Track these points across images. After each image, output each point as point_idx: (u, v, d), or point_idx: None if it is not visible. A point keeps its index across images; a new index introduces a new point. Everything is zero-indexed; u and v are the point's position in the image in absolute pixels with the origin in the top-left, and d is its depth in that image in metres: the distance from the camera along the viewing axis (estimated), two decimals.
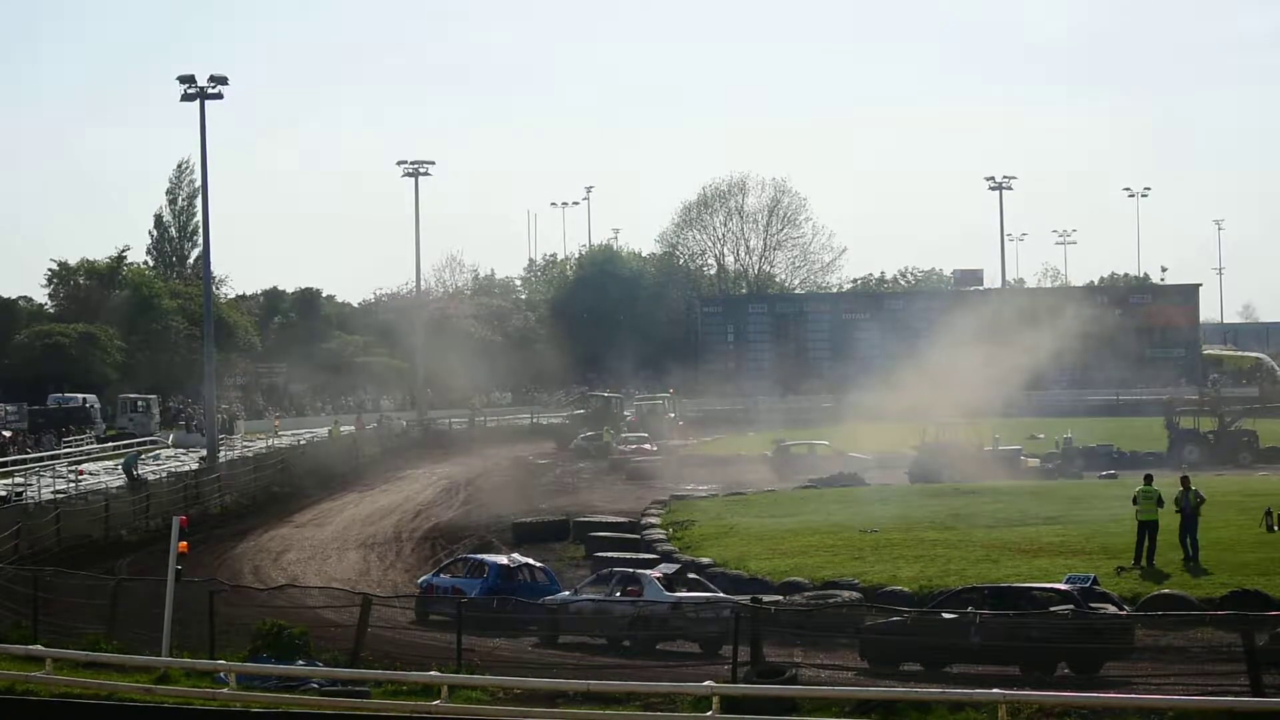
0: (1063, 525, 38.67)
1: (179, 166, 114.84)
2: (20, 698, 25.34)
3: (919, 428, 57.93)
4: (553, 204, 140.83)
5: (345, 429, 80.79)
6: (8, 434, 69.55)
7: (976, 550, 35.21)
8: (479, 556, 36.12)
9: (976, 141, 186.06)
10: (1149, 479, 34.31)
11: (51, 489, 51.55)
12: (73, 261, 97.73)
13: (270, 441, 75.26)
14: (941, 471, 53.58)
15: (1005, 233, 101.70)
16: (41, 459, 64.06)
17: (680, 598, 29.85)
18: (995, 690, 22.38)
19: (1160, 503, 33.33)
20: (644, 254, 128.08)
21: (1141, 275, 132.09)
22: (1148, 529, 32.99)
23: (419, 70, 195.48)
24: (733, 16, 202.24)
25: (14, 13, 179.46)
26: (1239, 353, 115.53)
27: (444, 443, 77.95)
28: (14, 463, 61.87)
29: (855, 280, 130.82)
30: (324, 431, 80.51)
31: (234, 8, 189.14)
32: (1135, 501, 33.72)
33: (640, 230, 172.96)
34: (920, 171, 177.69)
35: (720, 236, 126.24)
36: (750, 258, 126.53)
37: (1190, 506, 33.30)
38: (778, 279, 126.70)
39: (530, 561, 34.80)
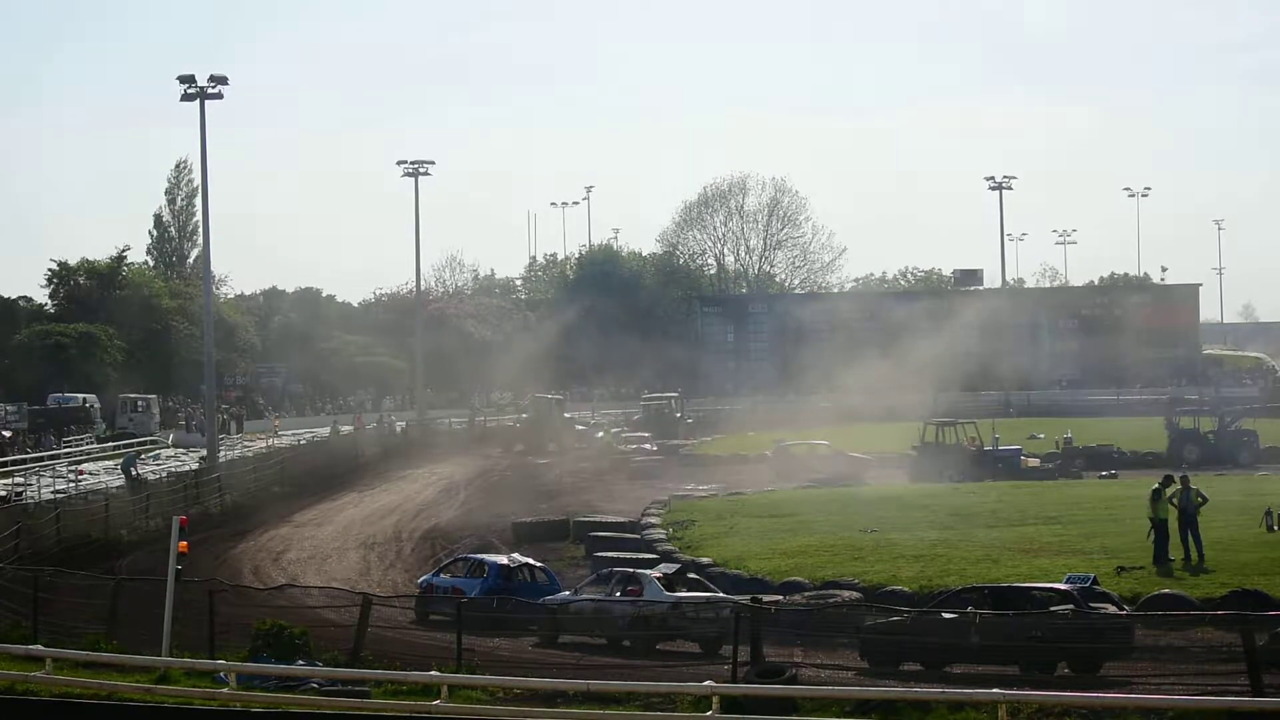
0: (1063, 525, 38.65)
1: (178, 166, 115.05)
2: (20, 698, 25.32)
3: (918, 427, 57.90)
4: (553, 204, 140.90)
5: (345, 429, 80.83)
6: (8, 434, 69.56)
7: (976, 550, 35.19)
8: (479, 556, 36.09)
9: (976, 141, 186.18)
10: (1168, 479, 34.34)
11: (51, 489, 51.60)
12: (73, 261, 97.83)
13: (270, 441, 75.26)
14: (941, 471, 53.59)
15: (1005, 233, 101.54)
16: (41, 459, 64.10)
17: (680, 598, 29.84)
18: (995, 690, 22.37)
19: (1157, 497, 33.50)
20: (644, 254, 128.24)
21: (1141, 275, 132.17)
22: (1160, 528, 33.13)
23: (419, 70, 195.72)
24: (734, 17, 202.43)
25: (13, 14, 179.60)
26: (1239, 353, 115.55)
27: (444, 443, 77.85)
28: (14, 463, 61.88)
29: (855, 280, 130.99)
30: (324, 431, 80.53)
31: (234, 8, 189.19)
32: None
33: (640, 230, 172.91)
34: (920, 171, 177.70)
35: (720, 236, 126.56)
36: (750, 257, 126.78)
37: (1192, 506, 33.38)
38: (778, 279, 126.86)
39: (530, 561, 34.79)
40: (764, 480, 55.63)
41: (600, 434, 75.30)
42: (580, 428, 79.02)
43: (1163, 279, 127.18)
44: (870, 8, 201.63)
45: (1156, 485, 34.16)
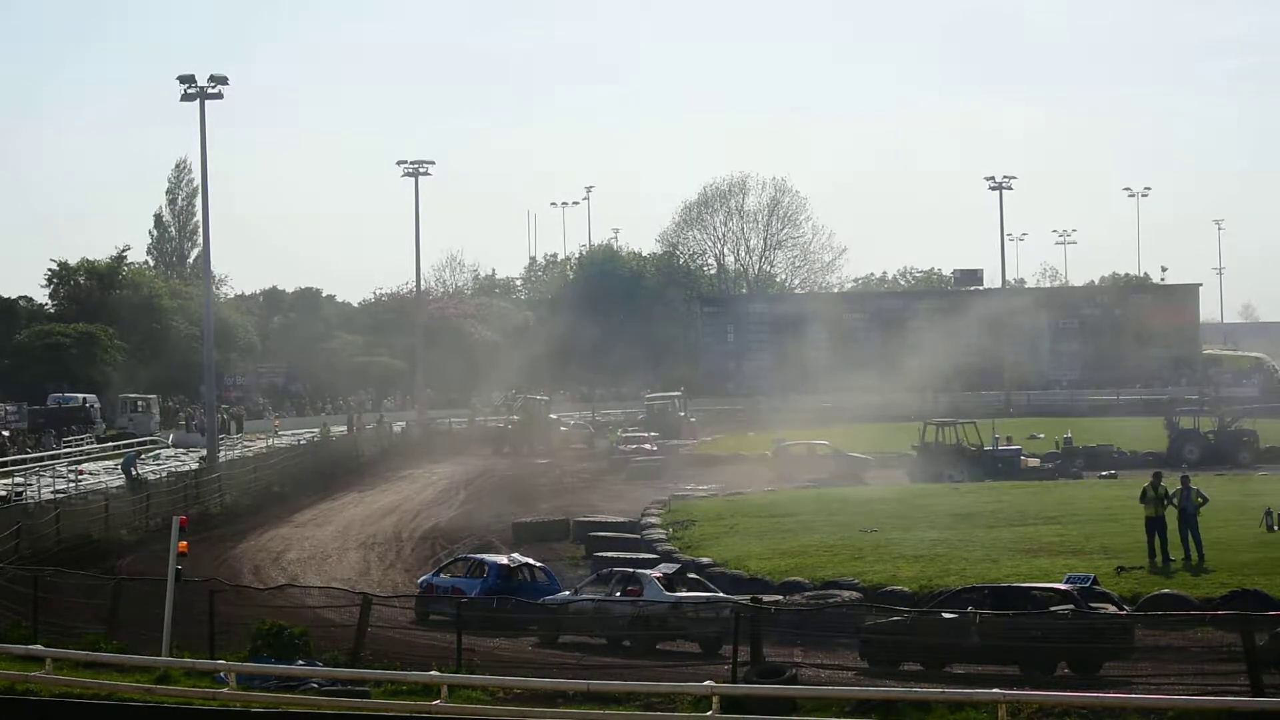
0: (1063, 525, 38.66)
1: (178, 166, 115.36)
2: (20, 698, 25.32)
3: (918, 427, 57.89)
4: (553, 204, 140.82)
5: (337, 429, 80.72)
6: (8, 434, 69.56)
7: (976, 550, 35.20)
8: (479, 556, 36.10)
9: (976, 141, 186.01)
10: (1158, 476, 34.40)
11: (51, 489, 51.52)
12: (73, 261, 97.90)
13: (270, 441, 75.24)
14: (941, 471, 53.59)
15: (1005, 233, 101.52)
16: (41, 459, 64.07)
17: (680, 598, 29.84)
18: (995, 690, 22.36)
19: (1144, 496, 33.52)
20: (644, 254, 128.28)
21: (1142, 275, 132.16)
22: (1154, 526, 33.12)
23: (420, 70, 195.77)
24: (733, 17, 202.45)
25: (12, 14, 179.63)
26: (1239, 353, 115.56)
27: (444, 443, 77.86)
28: (14, 463, 61.87)
29: (855, 280, 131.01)
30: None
31: (234, 8, 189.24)
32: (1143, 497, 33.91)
33: (640, 230, 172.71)
34: (920, 171, 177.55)
35: (720, 236, 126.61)
36: (750, 258, 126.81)
37: (1192, 506, 33.39)
38: (778, 279, 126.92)
39: (530, 561, 34.79)
40: (764, 480, 55.62)
41: (609, 436, 75.22)
42: (564, 428, 79.15)
43: (1163, 279, 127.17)
44: (870, 8, 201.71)
45: (1145, 485, 34.17)
